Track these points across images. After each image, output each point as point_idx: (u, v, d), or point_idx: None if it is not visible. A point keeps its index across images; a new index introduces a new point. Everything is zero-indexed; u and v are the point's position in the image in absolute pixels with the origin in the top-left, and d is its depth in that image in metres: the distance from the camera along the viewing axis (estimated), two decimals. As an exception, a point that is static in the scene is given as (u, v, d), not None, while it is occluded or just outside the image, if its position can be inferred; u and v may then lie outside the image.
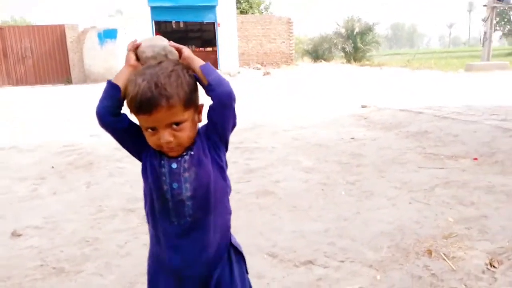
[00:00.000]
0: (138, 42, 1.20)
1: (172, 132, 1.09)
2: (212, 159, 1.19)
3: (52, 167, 4.34)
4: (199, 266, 1.20)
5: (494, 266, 2.06)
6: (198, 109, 1.16)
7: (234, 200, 3.20)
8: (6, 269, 2.27)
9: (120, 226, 2.80)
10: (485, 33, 16.15)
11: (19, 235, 2.70)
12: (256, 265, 2.21)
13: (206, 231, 1.19)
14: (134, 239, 2.58)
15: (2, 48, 16.41)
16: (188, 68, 1.13)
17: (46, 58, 16.74)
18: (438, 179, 3.46)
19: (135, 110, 1.07)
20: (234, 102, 1.17)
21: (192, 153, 1.16)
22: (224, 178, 1.23)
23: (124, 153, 4.30)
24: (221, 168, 1.22)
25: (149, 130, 1.10)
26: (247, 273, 1.33)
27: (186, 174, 1.15)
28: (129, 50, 1.20)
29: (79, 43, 16.62)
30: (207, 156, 1.18)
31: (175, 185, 1.15)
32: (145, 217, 1.26)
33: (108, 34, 15.79)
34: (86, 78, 16.43)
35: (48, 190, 3.64)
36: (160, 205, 1.17)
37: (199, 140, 1.18)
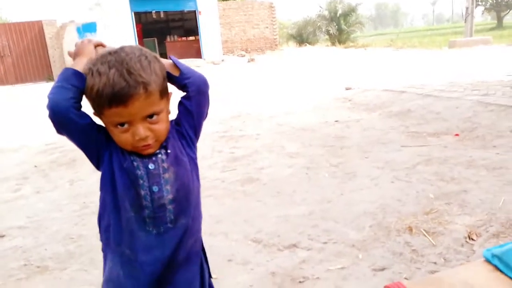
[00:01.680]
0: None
1: (148, 126, 0.98)
2: (188, 157, 1.10)
3: (35, 166, 4.30)
4: (168, 266, 1.08)
5: (472, 239, 2.11)
6: (168, 98, 1.06)
7: (219, 188, 3.24)
8: (-10, 271, 2.26)
9: (104, 221, 2.79)
10: (467, 8, 16.20)
11: (3, 236, 2.68)
12: (240, 252, 2.24)
13: (184, 237, 1.08)
14: (119, 234, 2.58)
15: (-20, 48, 16.06)
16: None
17: (26, 55, 16.43)
18: (420, 156, 3.50)
19: (106, 103, 0.93)
20: (209, 89, 1.12)
21: (169, 151, 1.05)
22: (198, 178, 1.14)
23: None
24: (196, 166, 1.13)
25: (119, 126, 0.97)
26: (210, 277, 1.25)
27: (166, 175, 1.04)
28: (88, 42, 1.10)
29: (58, 39, 16.33)
30: (183, 153, 1.09)
31: (155, 188, 1.03)
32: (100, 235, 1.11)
33: (88, 28, 15.51)
34: (68, 74, 16.18)
35: (32, 189, 3.61)
36: (133, 214, 1.04)
37: (171, 136, 1.07)
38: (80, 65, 1.02)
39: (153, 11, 17.34)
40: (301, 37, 26.50)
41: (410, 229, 2.30)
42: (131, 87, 0.92)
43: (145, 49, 1.02)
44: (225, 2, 20.80)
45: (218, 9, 17.82)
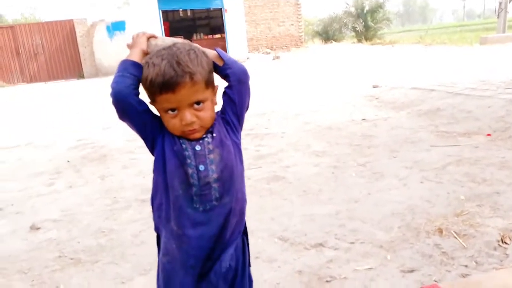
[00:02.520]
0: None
1: (194, 113, 1.10)
2: (232, 142, 1.20)
3: (68, 161, 4.44)
4: (214, 249, 1.18)
5: (505, 243, 2.05)
6: (214, 90, 1.18)
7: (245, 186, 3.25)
8: (27, 261, 2.35)
9: (134, 216, 2.86)
10: (500, 3, 15.64)
11: (38, 229, 2.79)
12: (267, 249, 2.25)
13: (230, 216, 1.18)
14: (148, 228, 2.64)
15: (15, 46, 16.64)
16: None
17: (58, 53, 16.92)
18: (451, 157, 3.42)
19: (157, 90, 1.07)
20: (249, 79, 1.22)
21: (214, 135, 1.16)
22: (242, 162, 1.24)
23: (136, 144, 4.36)
24: (240, 151, 1.23)
25: (170, 112, 1.10)
26: (249, 265, 1.31)
27: (211, 156, 1.14)
28: (142, 35, 1.22)
29: (88, 37, 16.73)
30: (227, 138, 1.19)
31: (201, 167, 1.13)
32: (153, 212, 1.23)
33: (117, 27, 15.84)
34: (97, 72, 16.59)
35: (64, 184, 3.73)
36: (182, 192, 1.14)
37: (217, 123, 1.18)
38: (134, 55, 1.17)
39: (180, 9, 17.52)
40: (327, 34, 26.23)
41: (440, 230, 2.26)
42: (179, 76, 1.05)
43: (195, 45, 1.15)
44: (251, -1, 20.80)
45: (244, 6, 17.84)
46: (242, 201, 1.24)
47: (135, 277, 2.11)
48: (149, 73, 1.08)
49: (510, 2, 15.90)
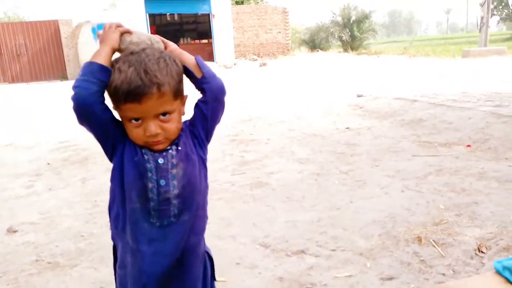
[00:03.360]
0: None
1: (160, 124, 1.03)
2: (198, 156, 1.13)
3: (48, 163, 4.37)
4: (172, 267, 1.12)
5: (482, 252, 2.09)
6: (183, 100, 1.11)
7: (229, 192, 3.25)
8: (3, 265, 2.30)
9: (115, 220, 2.82)
10: (482, 18, 16.05)
11: (15, 231, 2.73)
12: (248, 255, 2.25)
13: (188, 234, 1.12)
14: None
15: (-3, 45, 16.34)
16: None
17: (41, 54, 16.68)
18: (431, 166, 3.48)
19: (122, 98, 0.99)
20: (225, 96, 1.16)
21: (179, 148, 1.09)
22: (206, 178, 1.17)
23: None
24: (205, 167, 1.17)
25: (133, 121, 1.03)
26: (214, 279, 1.27)
27: (174, 171, 1.07)
28: (115, 29, 1.09)
29: (73, 38, 16.54)
30: (194, 152, 1.12)
31: (162, 182, 1.06)
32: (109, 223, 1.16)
33: (102, 28, 15.69)
34: (82, 73, 16.36)
35: (44, 186, 3.67)
36: (139, 205, 1.07)
37: (183, 135, 1.11)
38: (103, 55, 1.05)
39: (168, 13, 17.51)
40: (314, 43, 26.50)
41: (419, 239, 2.29)
42: (146, 86, 0.98)
43: (166, 52, 1.07)
44: (238, 6, 20.91)
45: (231, 12, 17.92)
46: (203, 219, 1.18)
47: (114, 282, 2.08)
48: (114, 79, 1.00)
49: (491, 17, 16.34)
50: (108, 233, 2.65)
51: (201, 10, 17.03)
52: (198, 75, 1.11)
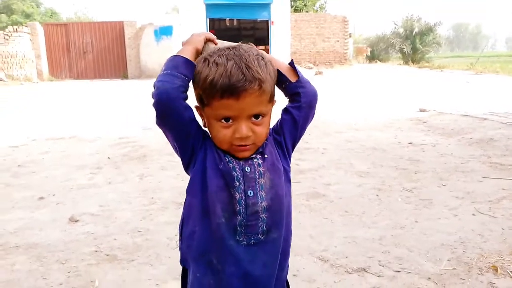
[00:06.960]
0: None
1: (251, 126, 0.94)
2: (283, 168, 1.04)
3: (108, 157, 4.51)
4: None
5: None
6: (273, 104, 1.01)
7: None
8: (64, 252, 2.36)
9: (170, 219, 2.83)
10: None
11: (76, 221, 2.81)
12: (306, 268, 2.15)
13: (276, 254, 1.01)
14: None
15: (66, 43, 17.43)
16: None
17: (105, 53, 17.58)
18: (505, 190, 3.20)
19: (218, 93, 0.90)
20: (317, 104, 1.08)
21: (266, 156, 0.99)
22: (290, 194, 1.06)
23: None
24: (289, 181, 1.06)
25: (223, 121, 0.93)
26: None
27: (262, 181, 0.97)
28: (202, 34, 1.06)
29: (136, 39, 17.28)
30: (279, 162, 1.03)
31: (250, 192, 0.96)
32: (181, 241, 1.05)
33: (164, 31, 16.28)
34: (141, 74, 17.06)
35: (104, 179, 3.78)
36: (224, 220, 0.96)
37: (269, 143, 1.02)
38: (186, 52, 0.99)
39: (227, 19, 17.83)
40: (372, 54, 25.90)
41: (495, 268, 2.08)
42: (247, 81, 0.90)
43: (261, 51, 1.00)
44: (297, 13, 20.89)
45: (290, 20, 17.93)
46: (288, 240, 1.06)
47: (169, 281, 2.06)
48: (210, 72, 0.91)
49: None
50: (165, 231, 2.66)
51: (261, 16, 17.20)
52: (293, 79, 1.03)
